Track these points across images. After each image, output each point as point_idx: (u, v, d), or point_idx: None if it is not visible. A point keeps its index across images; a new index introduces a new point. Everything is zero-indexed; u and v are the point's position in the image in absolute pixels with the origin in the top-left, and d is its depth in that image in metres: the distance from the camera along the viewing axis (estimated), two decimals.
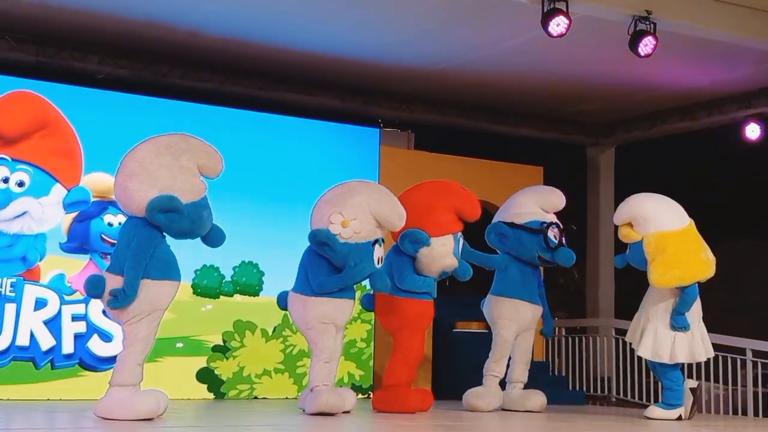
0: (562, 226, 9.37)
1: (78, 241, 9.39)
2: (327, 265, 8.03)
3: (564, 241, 9.35)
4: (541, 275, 9.62)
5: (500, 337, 9.30)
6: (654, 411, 8.72)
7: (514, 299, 9.28)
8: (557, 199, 9.45)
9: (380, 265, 8.17)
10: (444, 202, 8.76)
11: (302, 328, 8.18)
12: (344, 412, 8.10)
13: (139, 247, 6.91)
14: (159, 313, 7.00)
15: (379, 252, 8.12)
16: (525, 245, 9.23)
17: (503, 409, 9.26)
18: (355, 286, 8.31)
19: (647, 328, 8.72)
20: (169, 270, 7.01)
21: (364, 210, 8.04)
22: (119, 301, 6.82)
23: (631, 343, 9.10)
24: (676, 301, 8.66)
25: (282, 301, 8.37)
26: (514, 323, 9.27)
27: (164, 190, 6.88)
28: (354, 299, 8.33)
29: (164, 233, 7.06)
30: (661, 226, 8.72)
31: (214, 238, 7.21)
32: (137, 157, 7.02)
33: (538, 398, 9.30)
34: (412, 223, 8.40)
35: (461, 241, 8.87)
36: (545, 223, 9.23)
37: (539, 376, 9.75)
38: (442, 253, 8.61)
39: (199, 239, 7.24)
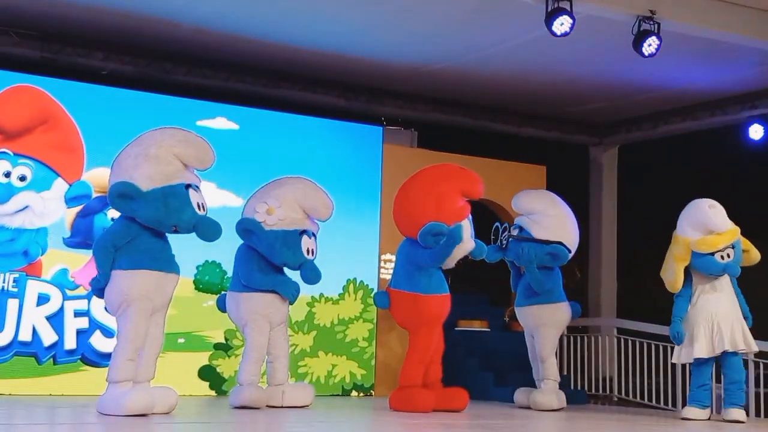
0: (502, 226, 9.68)
1: (81, 236, 9.42)
2: (257, 260, 8.27)
3: (500, 239, 9.60)
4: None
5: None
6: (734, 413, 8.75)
7: (516, 308, 9.83)
8: (518, 203, 9.79)
9: (312, 257, 8.32)
10: (450, 186, 8.70)
11: (239, 326, 8.44)
12: (303, 407, 8.30)
13: (104, 237, 7.03)
14: (141, 305, 6.85)
15: (309, 243, 8.29)
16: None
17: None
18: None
19: (736, 325, 8.72)
20: (144, 260, 6.91)
21: (289, 199, 8.30)
22: (93, 284, 7.05)
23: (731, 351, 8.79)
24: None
25: (221, 303, 8.63)
26: (525, 329, 9.84)
27: (125, 179, 6.90)
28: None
29: (148, 225, 6.98)
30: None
31: (203, 231, 7.00)
32: (119, 154, 7.10)
33: (546, 398, 9.49)
34: (426, 215, 8.51)
35: (470, 219, 8.79)
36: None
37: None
38: (464, 239, 8.53)
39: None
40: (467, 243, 8.57)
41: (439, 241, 8.43)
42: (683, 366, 10.16)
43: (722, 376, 8.93)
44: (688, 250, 8.81)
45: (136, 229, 6.95)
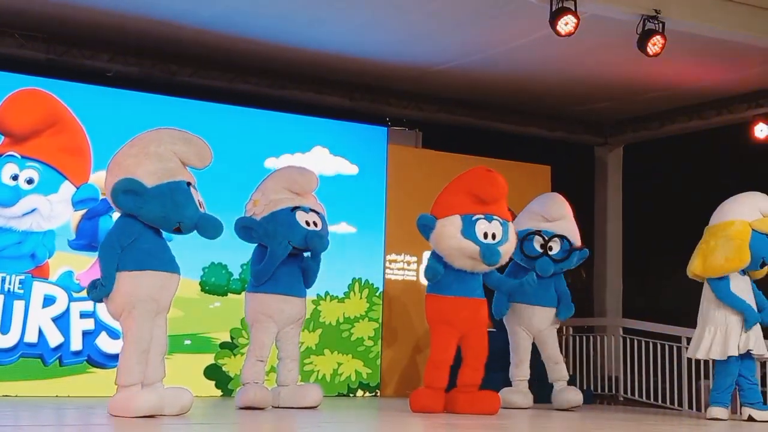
0: (553, 235, 9.51)
1: (86, 239, 9.42)
2: (261, 256, 8.32)
3: (551, 250, 9.43)
4: (559, 279, 9.70)
5: (512, 342, 9.70)
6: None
7: (520, 304, 9.62)
8: (553, 209, 9.66)
9: (316, 228, 8.27)
10: (455, 185, 8.61)
11: (248, 325, 8.52)
12: (310, 408, 8.27)
13: (110, 237, 6.93)
14: (146, 306, 6.80)
15: (307, 216, 8.27)
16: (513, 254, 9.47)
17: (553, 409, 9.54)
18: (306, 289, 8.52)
19: (757, 328, 8.74)
20: (149, 260, 6.84)
21: (269, 185, 8.39)
22: (97, 291, 6.87)
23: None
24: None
25: None
26: (521, 327, 9.66)
27: (128, 176, 6.84)
28: (301, 297, 8.47)
29: (150, 224, 6.92)
30: None
31: (206, 228, 6.93)
32: (115, 155, 7.05)
33: (572, 395, 9.55)
34: (431, 209, 8.56)
35: (482, 223, 8.38)
36: (530, 232, 9.46)
37: (547, 375, 9.79)
38: (444, 233, 8.37)
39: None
40: (453, 240, 8.31)
41: (426, 233, 8.39)
42: (689, 366, 10.14)
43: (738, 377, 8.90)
44: (749, 229, 8.74)
45: (138, 229, 6.89)
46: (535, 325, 9.64)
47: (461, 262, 8.39)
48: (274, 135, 10.70)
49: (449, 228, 8.37)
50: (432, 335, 8.55)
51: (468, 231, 8.35)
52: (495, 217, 8.46)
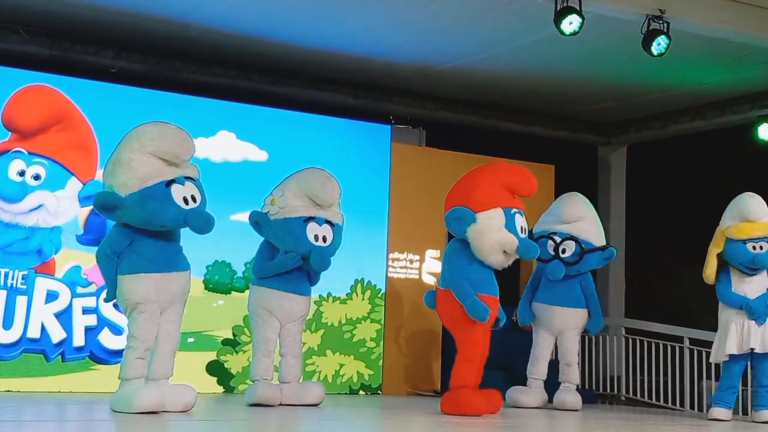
0: (566, 237, 9.50)
1: (94, 234, 9.44)
2: (267, 251, 8.33)
3: (563, 252, 9.46)
4: (586, 278, 9.72)
5: (533, 339, 9.73)
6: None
7: (542, 304, 9.65)
8: (569, 210, 9.66)
9: (326, 244, 8.22)
10: (490, 178, 8.18)
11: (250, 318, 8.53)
12: (311, 405, 8.26)
13: (103, 246, 7.08)
14: (146, 307, 6.91)
15: (317, 230, 8.19)
16: None
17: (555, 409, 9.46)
18: (311, 286, 8.52)
19: None
20: (143, 264, 6.92)
21: (291, 188, 8.31)
22: (106, 297, 7.18)
23: None
24: None
25: None
26: (542, 327, 9.67)
27: (106, 188, 6.98)
28: (304, 296, 8.43)
29: (144, 227, 6.96)
30: None
31: (193, 224, 6.92)
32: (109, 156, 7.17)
33: (569, 398, 9.51)
34: (457, 200, 8.13)
35: (519, 217, 8.08)
36: (543, 234, 9.48)
37: (549, 375, 9.78)
38: (490, 226, 7.94)
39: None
40: (499, 233, 7.93)
41: (463, 226, 7.96)
42: (692, 366, 10.14)
43: (752, 378, 8.88)
44: (723, 237, 8.80)
45: (132, 233, 6.97)
46: (556, 325, 9.58)
47: (494, 258, 8.01)
48: (277, 133, 10.69)
49: (495, 221, 7.96)
50: (465, 333, 8.12)
51: (510, 224, 8.02)
52: (523, 212, 8.22)
